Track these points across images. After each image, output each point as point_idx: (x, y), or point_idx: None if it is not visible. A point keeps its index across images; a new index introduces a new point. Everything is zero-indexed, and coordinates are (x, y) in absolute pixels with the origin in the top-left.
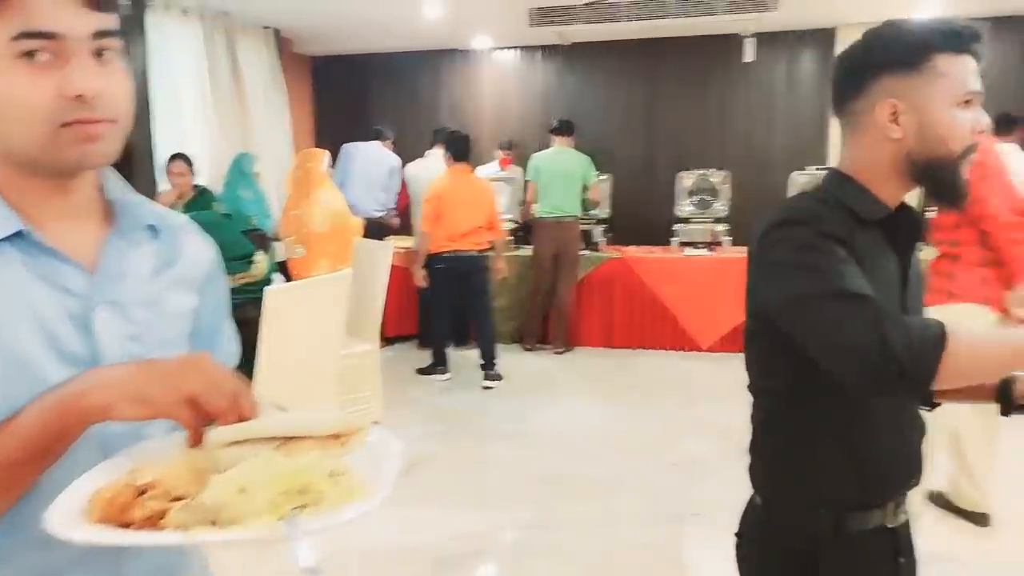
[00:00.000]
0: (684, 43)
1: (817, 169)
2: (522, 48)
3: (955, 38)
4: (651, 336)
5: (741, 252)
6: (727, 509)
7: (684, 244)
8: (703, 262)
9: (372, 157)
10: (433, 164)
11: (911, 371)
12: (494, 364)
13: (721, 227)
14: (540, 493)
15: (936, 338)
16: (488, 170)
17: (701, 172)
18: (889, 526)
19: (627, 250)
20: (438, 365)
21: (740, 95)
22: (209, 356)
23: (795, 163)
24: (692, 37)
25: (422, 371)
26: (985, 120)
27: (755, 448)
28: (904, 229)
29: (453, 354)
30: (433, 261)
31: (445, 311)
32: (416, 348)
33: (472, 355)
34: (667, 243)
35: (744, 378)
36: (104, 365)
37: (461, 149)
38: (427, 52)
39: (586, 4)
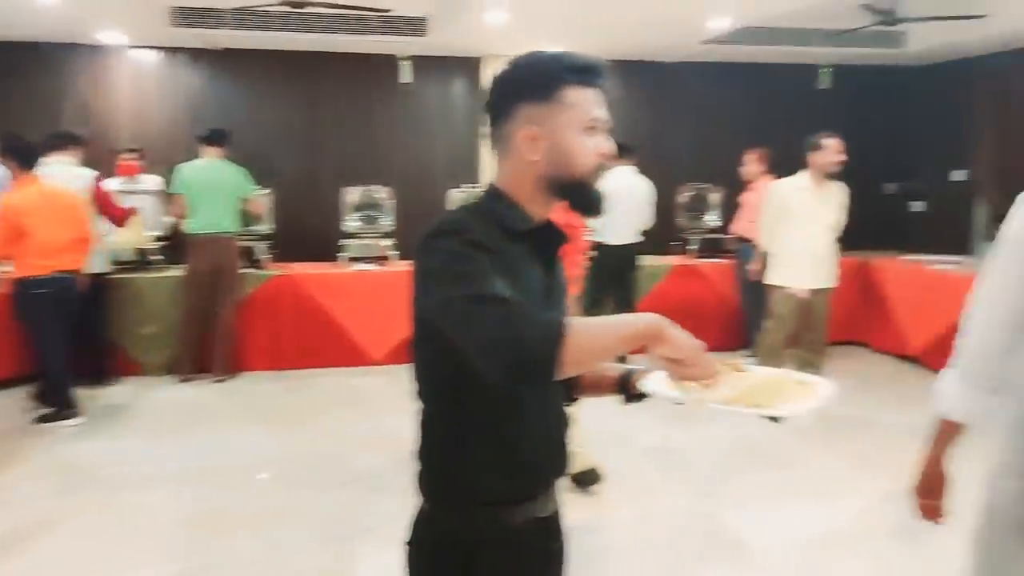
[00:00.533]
0: (345, 59)
1: (471, 186)
2: (165, 49)
3: (583, 73)
4: (324, 354)
5: (408, 265)
6: (401, 520)
7: (353, 259)
8: (372, 277)
9: None
10: (57, 172)
11: (543, 359)
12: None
13: (388, 242)
14: (194, 538)
15: (559, 329)
16: (114, 181)
17: (366, 188)
18: (541, 516)
19: (294, 267)
20: (64, 409)
21: (400, 114)
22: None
23: (452, 180)
24: (353, 54)
25: (43, 419)
26: (608, 145)
27: (419, 454)
28: (548, 241)
29: (85, 393)
30: (31, 286)
31: (61, 344)
32: (33, 392)
33: (111, 392)
34: (335, 259)
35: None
36: None
37: (27, 156)
38: (44, 44)
39: (234, 9)
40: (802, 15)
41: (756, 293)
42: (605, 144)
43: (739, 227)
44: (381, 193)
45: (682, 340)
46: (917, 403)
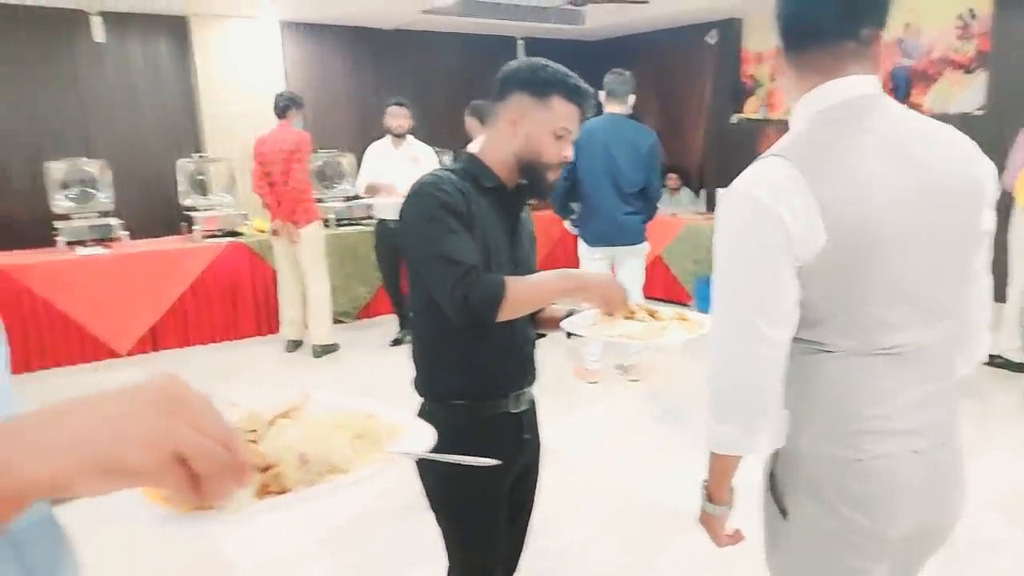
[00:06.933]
0: (19, 12)
1: (199, 156)
2: None
3: (574, 92)
4: (56, 353)
5: (143, 246)
6: None
7: (72, 244)
8: (102, 262)
9: None
10: None
11: (483, 314)
12: None
13: (114, 221)
14: None
15: (499, 290)
16: None
17: (72, 161)
18: (512, 411)
19: None
20: None
21: (97, 77)
22: (180, 378)
23: (174, 150)
24: (29, 7)
25: None
26: (570, 151)
27: (413, 359)
28: (513, 201)
29: None
30: None
31: None
32: None
33: None
34: (50, 243)
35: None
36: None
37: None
38: None
39: None
40: None
41: None
42: (568, 150)
43: None
44: (92, 167)
45: (592, 284)
46: None
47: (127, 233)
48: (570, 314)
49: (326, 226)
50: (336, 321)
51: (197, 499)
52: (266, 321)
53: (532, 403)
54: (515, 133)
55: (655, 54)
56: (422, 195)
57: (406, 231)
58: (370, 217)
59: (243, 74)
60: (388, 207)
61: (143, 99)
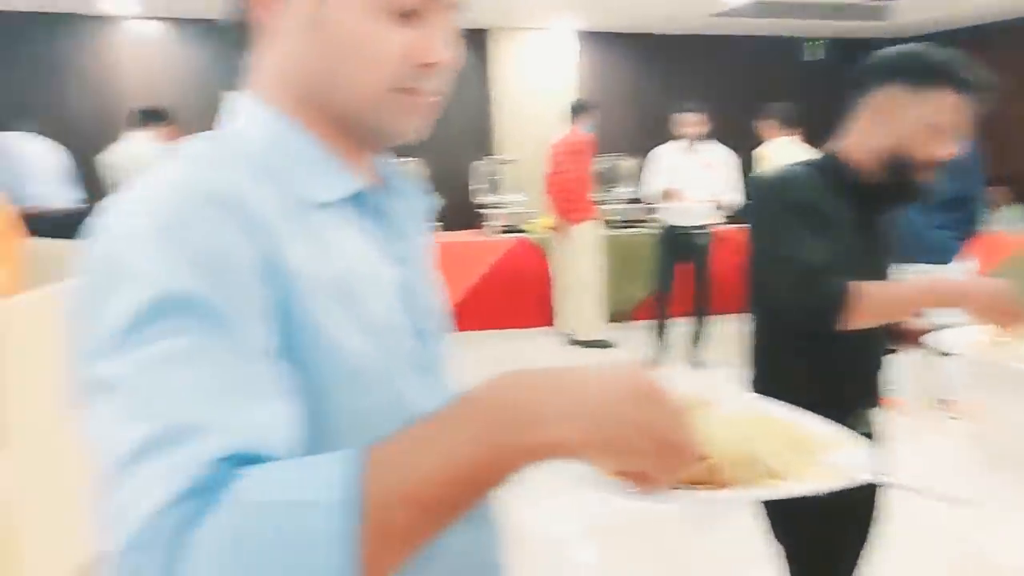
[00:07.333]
0: None
1: (492, 158)
2: (168, 20)
3: (961, 81)
4: None
5: (448, 237)
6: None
7: None
8: None
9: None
10: (134, 149)
11: (822, 321)
12: None
13: None
14: None
15: (841, 295)
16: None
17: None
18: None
19: None
20: None
21: None
22: (643, 368)
23: (472, 153)
24: None
25: None
26: (953, 149)
27: (753, 358)
28: (875, 200)
29: None
30: None
31: None
32: None
33: None
34: None
35: None
36: (524, 374)
37: None
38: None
39: None
40: None
41: None
42: (949, 148)
43: None
44: (407, 165)
45: (977, 293)
46: None
47: (439, 224)
48: (933, 329)
49: (607, 227)
50: (612, 320)
51: (664, 480)
52: (547, 313)
53: (873, 428)
54: (883, 128)
55: (978, 50)
56: (768, 192)
57: (751, 228)
58: (643, 221)
59: (536, 81)
60: (678, 212)
61: (449, 105)
